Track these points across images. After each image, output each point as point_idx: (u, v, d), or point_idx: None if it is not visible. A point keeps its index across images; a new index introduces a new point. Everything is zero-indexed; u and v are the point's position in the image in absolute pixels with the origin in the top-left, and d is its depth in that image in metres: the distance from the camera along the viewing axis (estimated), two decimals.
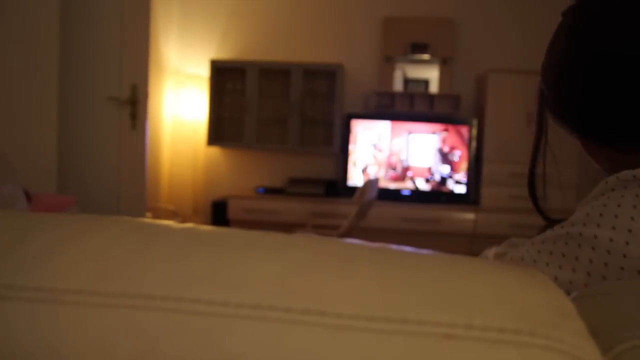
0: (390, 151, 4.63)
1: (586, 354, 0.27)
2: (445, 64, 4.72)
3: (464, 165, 4.57)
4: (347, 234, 3.35)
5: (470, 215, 4.43)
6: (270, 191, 4.75)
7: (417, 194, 4.58)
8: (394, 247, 0.33)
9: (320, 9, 4.90)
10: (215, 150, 5.04)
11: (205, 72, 4.88)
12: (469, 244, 4.45)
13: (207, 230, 0.34)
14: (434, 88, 4.76)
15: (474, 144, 4.55)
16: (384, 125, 4.63)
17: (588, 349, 0.28)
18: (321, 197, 4.58)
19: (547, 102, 0.74)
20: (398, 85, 4.80)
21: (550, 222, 0.79)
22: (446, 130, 4.57)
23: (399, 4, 4.80)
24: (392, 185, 4.61)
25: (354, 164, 4.66)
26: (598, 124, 0.66)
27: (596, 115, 0.66)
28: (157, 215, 4.51)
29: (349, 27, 4.88)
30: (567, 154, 0.83)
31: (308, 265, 0.30)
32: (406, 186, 4.61)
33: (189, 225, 0.35)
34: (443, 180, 4.59)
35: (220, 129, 4.88)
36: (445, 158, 4.58)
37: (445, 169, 4.58)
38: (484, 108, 4.51)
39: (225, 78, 4.87)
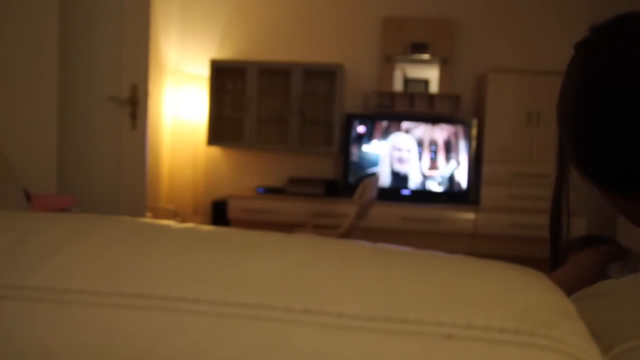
0: (391, 150, 4.63)
1: (586, 354, 0.27)
2: (445, 64, 4.72)
3: (462, 165, 4.56)
4: (347, 234, 3.35)
5: (470, 215, 4.43)
6: (270, 191, 4.75)
7: (417, 194, 4.58)
8: (394, 247, 0.33)
9: (320, 9, 4.90)
10: (215, 150, 5.04)
11: (205, 72, 4.88)
12: (469, 244, 4.45)
13: (207, 230, 0.34)
14: (434, 88, 4.76)
15: (474, 144, 4.55)
16: (384, 125, 4.63)
17: (588, 349, 0.28)
18: (321, 197, 4.57)
19: (565, 146, 0.70)
20: (398, 85, 4.80)
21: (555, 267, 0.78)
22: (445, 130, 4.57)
23: (399, 4, 4.80)
24: (393, 185, 4.61)
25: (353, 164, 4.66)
26: (607, 171, 0.63)
27: (604, 162, 0.63)
28: (157, 215, 4.51)
29: (349, 27, 4.88)
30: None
31: (308, 265, 0.30)
32: (406, 185, 4.61)
33: (189, 225, 0.35)
34: (441, 179, 4.59)
35: (220, 129, 4.88)
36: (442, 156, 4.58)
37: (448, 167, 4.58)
38: (484, 108, 4.51)
39: (225, 78, 4.87)
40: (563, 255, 0.83)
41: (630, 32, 0.62)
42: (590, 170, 0.65)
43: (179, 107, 4.90)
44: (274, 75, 4.80)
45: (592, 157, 0.64)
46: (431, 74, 4.77)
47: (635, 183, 0.61)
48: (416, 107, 4.69)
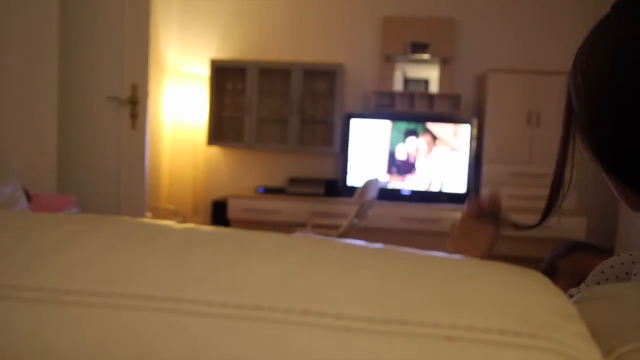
0: (390, 150, 4.63)
1: (587, 357, 0.27)
2: (445, 63, 4.72)
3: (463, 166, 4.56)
4: (347, 234, 3.35)
5: None
6: (270, 191, 4.75)
7: (417, 194, 4.58)
8: (394, 247, 0.33)
9: (320, 9, 4.90)
10: (215, 150, 5.04)
11: (205, 72, 4.88)
12: None
13: (207, 230, 0.34)
14: (434, 88, 4.76)
15: (474, 144, 4.55)
16: (384, 125, 4.63)
17: (589, 351, 0.27)
18: (321, 197, 4.57)
19: (576, 114, 0.57)
20: (398, 85, 4.79)
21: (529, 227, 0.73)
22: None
23: (399, 4, 4.80)
24: (393, 185, 4.61)
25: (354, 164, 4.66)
26: (622, 161, 0.53)
27: (622, 150, 0.52)
28: (157, 215, 4.51)
29: (349, 27, 4.88)
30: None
31: (308, 265, 0.30)
32: (406, 185, 4.61)
33: (189, 225, 0.35)
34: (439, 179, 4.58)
35: (220, 129, 4.88)
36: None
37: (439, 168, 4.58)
38: (484, 108, 4.51)
39: (225, 78, 4.87)
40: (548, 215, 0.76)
41: None
42: (602, 153, 0.55)
43: (179, 107, 4.90)
44: (274, 75, 4.80)
45: (611, 142, 0.53)
46: (431, 74, 4.77)
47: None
48: (416, 107, 4.69)
